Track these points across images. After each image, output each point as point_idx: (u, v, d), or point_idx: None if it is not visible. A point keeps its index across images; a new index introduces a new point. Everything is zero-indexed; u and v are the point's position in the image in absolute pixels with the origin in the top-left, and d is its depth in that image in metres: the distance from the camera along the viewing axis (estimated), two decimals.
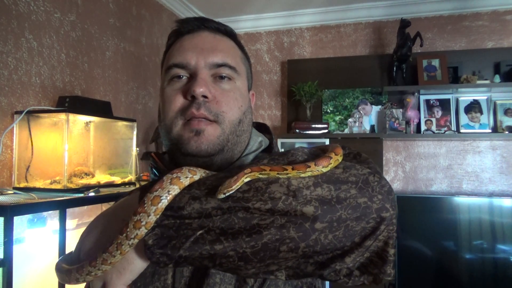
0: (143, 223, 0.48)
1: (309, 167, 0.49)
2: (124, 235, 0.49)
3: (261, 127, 0.75)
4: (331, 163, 0.51)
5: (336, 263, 0.48)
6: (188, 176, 0.52)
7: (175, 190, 0.50)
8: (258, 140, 0.68)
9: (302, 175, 0.49)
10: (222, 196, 0.47)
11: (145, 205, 0.48)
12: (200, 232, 0.46)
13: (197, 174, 0.53)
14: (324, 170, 0.50)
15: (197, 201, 0.48)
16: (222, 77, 0.62)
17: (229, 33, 0.67)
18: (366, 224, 0.47)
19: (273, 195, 0.46)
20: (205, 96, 0.59)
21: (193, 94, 0.58)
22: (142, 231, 0.49)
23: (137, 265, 0.52)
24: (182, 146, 0.59)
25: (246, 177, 0.49)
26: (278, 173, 0.49)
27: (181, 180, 0.51)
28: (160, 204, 0.49)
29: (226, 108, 0.61)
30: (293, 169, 0.49)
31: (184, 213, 0.48)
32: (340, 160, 0.52)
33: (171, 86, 0.62)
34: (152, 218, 0.49)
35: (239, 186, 0.48)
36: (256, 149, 0.67)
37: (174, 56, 0.62)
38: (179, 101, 0.60)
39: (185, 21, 0.65)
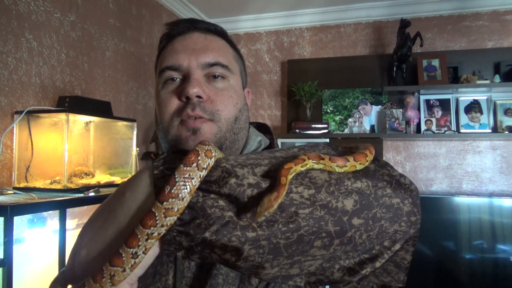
0: (176, 209, 0.39)
1: (348, 161, 0.47)
2: (151, 228, 0.39)
3: (261, 128, 0.75)
4: (367, 161, 0.49)
5: (367, 269, 0.46)
6: (218, 153, 0.46)
7: (209, 164, 0.43)
8: (257, 140, 0.68)
9: (338, 169, 0.46)
10: (262, 218, 0.40)
11: (174, 187, 0.40)
12: (230, 214, 0.41)
13: (219, 153, 0.47)
14: (359, 167, 0.48)
15: (233, 176, 0.43)
16: (215, 76, 0.62)
17: (220, 32, 0.67)
18: (399, 227, 0.46)
19: (314, 180, 0.44)
20: (199, 97, 0.59)
21: (187, 95, 0.58)
22: (173, 220, 0.40)
23: (148, 254, 0.44)
24: (180, 146, 0.59)
25: (287, 182, 0.42)
26: (322, 163, 0.45)
27: (213, 154, 0.44)
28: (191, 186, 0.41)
29: (221, 106, 0.61)
30: (330, 160, 0.46)
31: (213, 188, 0.42)
32: (370, 160, 0.51)
33: (165, 89, 0.62)
34: (186, 202, 0.40)
35: (282, 200, 0.41)
36: (256, 149, 0.67)
37: (166, 59, 0.62)
38: (174, 103, 0.60)
39: (175, 23, 0.65)
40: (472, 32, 2.75)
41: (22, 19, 1.60)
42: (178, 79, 0.62)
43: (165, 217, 0.39)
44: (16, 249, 1.21)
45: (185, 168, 0.40)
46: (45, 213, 1.55)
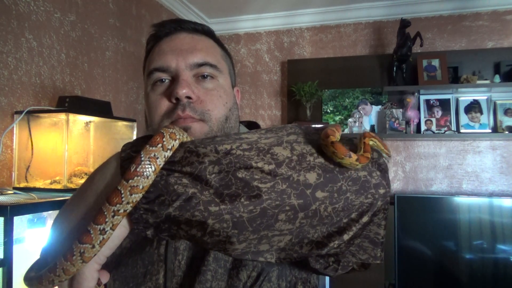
0: (141, 187, 0.41)
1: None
2: (117, 206, 0.40)
3: (252, 126, 0.75)
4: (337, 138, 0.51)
5: (335, 241, 0.47)
6: (184, 136, 0.48)
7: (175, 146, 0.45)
8: None
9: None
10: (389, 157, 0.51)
11: (142, 162, 0.41)
12: (193, 190, 0.42)
13: (186, 136, 0.49)
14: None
15: (194, 154, 0.44)
16: (204, 77, 0.62)
17: (207, 32, 0.67)
18: (365, 199, 0.47)
19: (276, 156, 0.45)
20: (189, 97, 0.59)
21: (176, 97, 0.58)
22: (139, 197, 0.41)
23: (114, 233, 0.44)
24: None
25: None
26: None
27: (177, 137, 0.46)
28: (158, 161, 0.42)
29: (211, 106, 0.61)
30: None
31: (176, 168, 0.44)
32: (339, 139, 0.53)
33: (154, 90, 0.62)
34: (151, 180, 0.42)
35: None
36: None
37: (154, 60, 0.63)
38: (164, 104, 0.60)
39: (162, 24, 0.66)
40: (472, 32, 2.74)
41: (22, 19, 1.60)
42: (167, 81, 0.62)
43: (131, 194, 0.41)
44: (16, 249, 1.21)
45: (150, 148, 0.42)
46: (45, 213, 1.55)
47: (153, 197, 0.43)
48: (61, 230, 0.49)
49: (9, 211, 1.14)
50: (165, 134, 0.44)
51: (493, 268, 2.37)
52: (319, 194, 0.44)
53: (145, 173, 0.41)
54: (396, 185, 2.82)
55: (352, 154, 0.45)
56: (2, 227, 1.15)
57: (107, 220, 0.41)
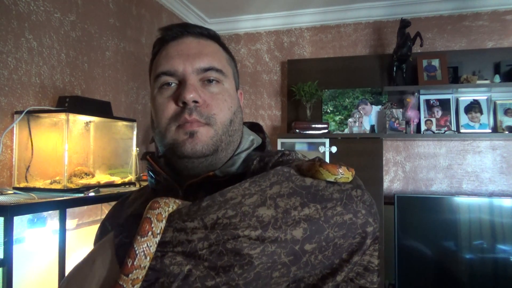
0: (140, 277, 0.44)
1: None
2: None
3: (254, 127, 0.76)
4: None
5: (329, 284, 0.49)
6: (170, 207, 0.50)
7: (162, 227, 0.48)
8: (249, 139, 0.70)
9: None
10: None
11: (136, 256, 0.44)
12: (188, 267, 0.44)
13: (172, 205, 0.51)
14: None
15: (182, 232, 0.46)
16: (210, 81, 0.63)
17: (213, 37, 0.68)
18: (353, 240, 0.48)
19: (261, 218, 0.46)
20: (195, 101, 0.60)
21: (184, 101, 0.59)
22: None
23: None
24: (178, 149, 0.61)
25: None
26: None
27: (163, 216, 0.48)
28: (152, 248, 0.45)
29: (216, 110, 0.62)
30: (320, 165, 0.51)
31: (168, 249, 0.46)
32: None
33: (161, 94, 0.63)
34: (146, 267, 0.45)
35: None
36: (248, 148, 0.69)
37: (161, 64, 0.64)
38: (171, 108, 0.62)
39: (168, 28, 0.66)
40: (472, 32, 2.75)
41: (22, 19, 1.60)
42: (173, 84, 0.63)
43: (133, 286, 0.44)
44: (16, 249, 1.22)
45: (142, 239, 0.45)
46: (45, 213, 1.55)
47: (153, 280, 0.45)
48: None
49: (9, 211, 1.14)
50: (152, 218, 0.46)
51: (493, 268, 2.37)
52: (308, 247, 0.45)
53: (142, 265, 0.44)
54: (396, 185, 2.82)
55: (330, 168, 0.48)
56: (2, 227, 1.15)
57: None
